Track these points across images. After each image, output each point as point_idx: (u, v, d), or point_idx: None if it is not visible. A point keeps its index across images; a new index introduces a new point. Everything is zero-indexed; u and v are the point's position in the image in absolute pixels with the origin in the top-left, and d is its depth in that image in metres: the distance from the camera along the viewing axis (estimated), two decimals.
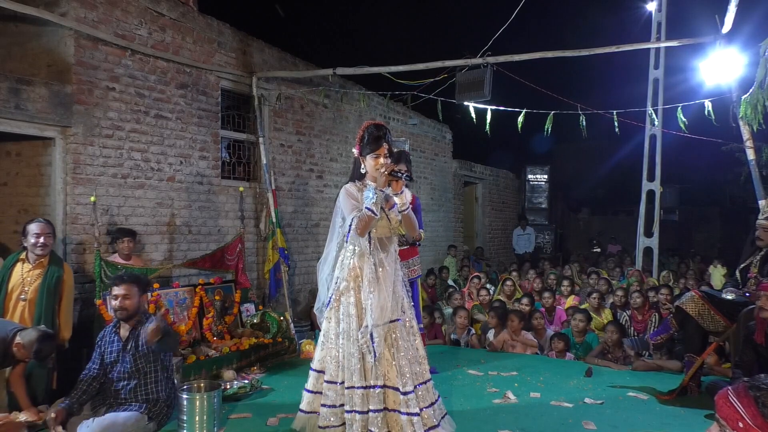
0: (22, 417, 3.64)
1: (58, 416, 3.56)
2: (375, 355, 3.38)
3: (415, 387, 3.40)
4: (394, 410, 3.40)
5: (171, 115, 6.28)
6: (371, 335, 3.37)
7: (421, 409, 3.39)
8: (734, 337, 4.77)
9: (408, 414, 3.33)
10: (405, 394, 3.36)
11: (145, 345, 3.76)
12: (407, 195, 3.52)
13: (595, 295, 7.12)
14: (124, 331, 3.91)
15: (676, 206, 16.80)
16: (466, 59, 6.35)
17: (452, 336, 6.85)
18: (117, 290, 3.85)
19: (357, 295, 3.50)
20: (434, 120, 11.06)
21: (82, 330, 5.03)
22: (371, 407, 3.39)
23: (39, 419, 3.71)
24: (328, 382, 3.54)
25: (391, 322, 3.45)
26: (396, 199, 3.43)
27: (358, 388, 3.42)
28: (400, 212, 3.49)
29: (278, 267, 7.24)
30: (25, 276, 4.38)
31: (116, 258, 5.48)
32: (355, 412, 3.40)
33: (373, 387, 3.40)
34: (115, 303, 3.88)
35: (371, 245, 3.51)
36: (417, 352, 3.56)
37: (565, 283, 7.94)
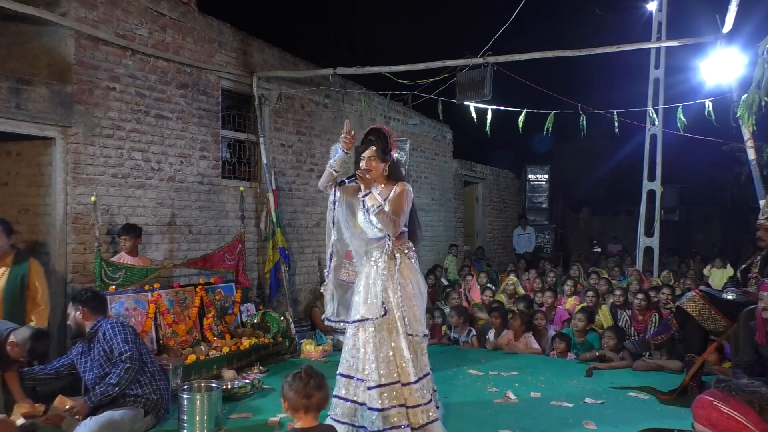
0: (20, 421, 3.61)
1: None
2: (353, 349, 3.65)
3: (380, 386, 3.48)
4: (361, 403, 3.57)
5: (171, 115, 6.28)
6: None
7: (385, 408, 3.45)
8: (735, 337, 4.77)
9: (370, 409, 3.49)
10: (369, 389, 3.53)
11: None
12: (376, 196, 3.65)
13: (590, 293, 7.11)
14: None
15: (676, 206, 16.72)
16: (466, 59, 6.35)
17: (452, 335, 6.85)
18: None
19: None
20: (434, 120, 11.05)
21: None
22: (339, 394, 3.65)
23: (37, 411, 3.70)
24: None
25: (365, 320, 3.60)
26: (367, 202, 3.60)
27: (343, 376, 3.72)
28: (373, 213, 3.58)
29: (279, 267, 7.25)
30: None
31: (121, 257, 5.48)
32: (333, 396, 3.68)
33: (347, 377, 3.66)
34: None
35: (356, 243, 3.83)
36: (398, 352, 3.56)
37: (569, 283, 7.92)
